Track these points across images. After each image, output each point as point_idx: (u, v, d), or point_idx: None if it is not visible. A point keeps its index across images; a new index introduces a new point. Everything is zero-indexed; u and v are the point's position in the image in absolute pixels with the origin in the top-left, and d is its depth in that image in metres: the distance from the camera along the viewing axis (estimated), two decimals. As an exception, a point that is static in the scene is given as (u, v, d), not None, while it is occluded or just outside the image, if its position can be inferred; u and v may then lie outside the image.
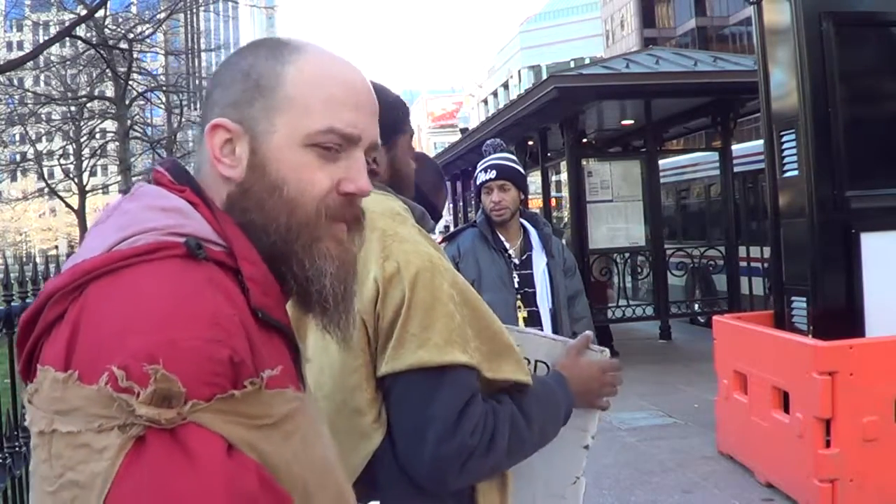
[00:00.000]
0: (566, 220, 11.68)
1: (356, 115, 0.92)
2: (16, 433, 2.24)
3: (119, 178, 24.35)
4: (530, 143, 11.58)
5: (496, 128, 11.02)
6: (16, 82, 24.27)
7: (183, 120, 25.16)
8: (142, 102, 24.90)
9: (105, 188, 30.17)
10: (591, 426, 1.58)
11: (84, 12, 17.44)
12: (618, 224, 9.66)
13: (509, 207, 3.38)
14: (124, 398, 0.69)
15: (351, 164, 0.91)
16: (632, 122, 11.05)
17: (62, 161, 27.24)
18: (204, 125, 0.92)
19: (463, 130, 23.40)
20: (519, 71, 79.13)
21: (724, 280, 9.74)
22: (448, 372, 1.25)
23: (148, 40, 22.74)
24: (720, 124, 9.97)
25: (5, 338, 2.21)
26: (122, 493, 0.68)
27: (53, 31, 20.29)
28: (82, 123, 25.39)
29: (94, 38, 19.07)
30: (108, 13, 20.04)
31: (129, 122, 23.63)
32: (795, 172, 4.59)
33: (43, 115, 24.86)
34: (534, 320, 3.29)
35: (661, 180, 10.18)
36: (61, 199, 27.62)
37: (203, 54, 30.42)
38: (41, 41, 18.74)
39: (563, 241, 4.28)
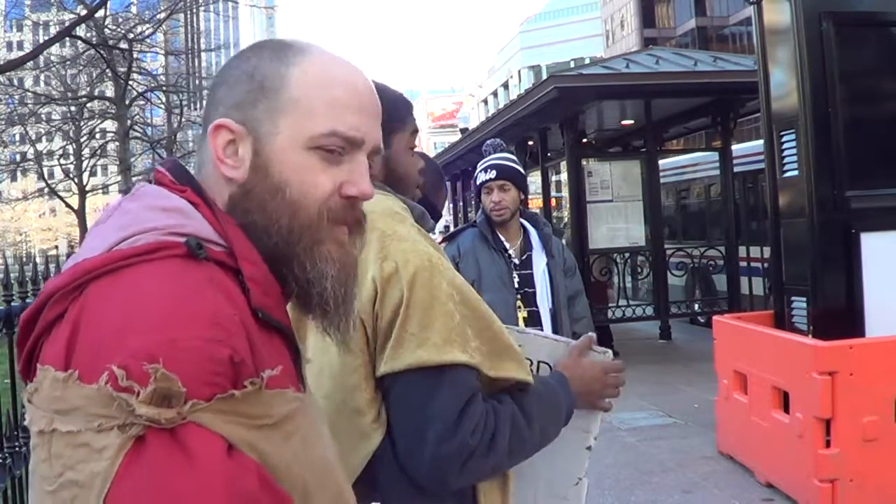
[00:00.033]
0: (566, 220, 11.68)
1: (359, 119, 0.92)
2: (16, 433, 2.24)
3: (119, 178, 24.35)
4: (530, 143, 11.57)
5: (496, 128, 11.02)
6: (16, 82, 24.28)
7: (183, 120, 25.17)
8: (142, 102, 24.90)
9: (105, 188, 30.16)
10: (593, 427, 1.58)
11: (84, 12, 17.44)
12: (618, 224, 9.66)
13: (509, 207, 3.37)
14: (124, 397, 0.69)
15: (353, 168, 0.91)
16: (632, 122, 11.04)
17: (62, 161, 27.24)
18: (206, 125, 0.91)
19: (463, 130, 23.40)
20: (519, 71, 79.14)
21: (724, 280, 9.74)
22: (447, 371, 1.25)
23: (148, 40, 22.75)
24: (720, 124, 9.97)
25: (5, 338, 2.21)
26: (121, 492, 0.68)
27: (53, 31, 20.29)
28: (82, 123, 25.39)
29: (94, 38, 19.08)
30: (108, 13, 20.04)
31: (129, 122, 23.63)
32: (795, 172, 4.59)
33: (43, 115, 24.86)
34: (534, 320, 3.29)
35: (661, 180, 10.17)
36: (61, 199, 27.62)
37: (203, 54, 30.45)
38: (41, 41, 18.73)
39: (563, 241, 4.28)
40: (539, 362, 1.55)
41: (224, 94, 0.91)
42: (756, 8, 5.00)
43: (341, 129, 0.90)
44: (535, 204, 11.73)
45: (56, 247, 47.20)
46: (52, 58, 22.13)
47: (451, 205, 19.45)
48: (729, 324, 5.27)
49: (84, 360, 0.72)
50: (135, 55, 21.08)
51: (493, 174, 3.41)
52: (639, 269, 9.65)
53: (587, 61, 23.79)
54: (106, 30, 19.98)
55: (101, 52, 18.95)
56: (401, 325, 1.26)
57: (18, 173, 29.34)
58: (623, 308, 9.51)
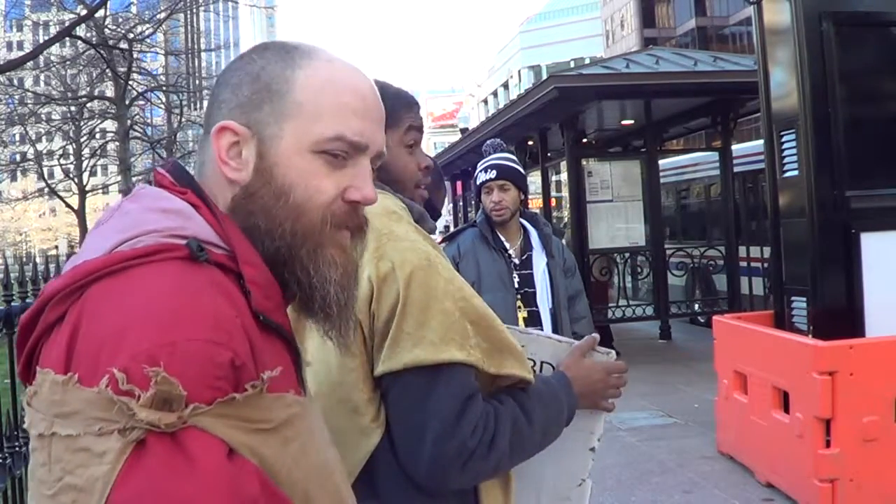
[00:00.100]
0: (566, 220, 11.68)
1: (364, 124, 0.92)
2: (16, 433, 2.25)
3: (119, 178, 24.33)
4: (530, 143, 11.58)
5: (496, 128, 11.02)
6: (16, 82, 24.27)
7: (183, 120, 25.15)
8: (142, 102, 24.88)
9: (105, 188, 30.17)
10: (597, 428, 1.58)
11: (84, 12, 17.43)
12: (618, 224, 9.66)
13: (509, 207, 3.37)
14: (125, 401, 0.69)
15: (357, 173, 0.91)
16: (632, 122, 11.04)
17: (62, 161, 27.23)
18: (208, 126, 0.91)
19: (463, 130, 23.43)
20: (519, 71, 79.10)
21: (724, 280, 9.74)
22: (445, 370, 1.25)
23: (148, 40, 22.73)
24: (720, 124, 9.98)
25: (5, 338, 2.21)
26: (122, 497, 0.68)
27: (53, 31, 20.28)
28: (82, 123, 25.38)
29: (94, 38, 19.07)
30: (108, 13, 20.03)
31: (129, 122, 23.60)
32: (795, 172, 4.59)
33: (43, 115, 24.83)
34: (534, 320, 3.29)
35: (661, 180, 10.18)
36: (61, 199, 27.60)
37: (203, 54, 30.43)
38: (41, 41, 18.73)
39: (563, 241, 4.28)
40: (542, 363, 1.55)
41: (228, 95, 0.91)
42: (756, 8, 5.00)
43: (346, 134, 0.89)
44: (535, 204, 11.73)
45: (56, 247, 47.22)
46: (52, 58, 22.12)
47: (451, 205, 19.46)
48: (729, 324, 5.27)
49: (84, 363, 0.72)
50: (135, 55, 21.07)
51: (493, 174, 3.41)
52: (639, 269, 9.66)
53: (587, 61, 23.81)
54: (106, 30, 19.96)
55: (101, 52, 18.94)
56: (398, 325, 1.26)
57: (18, 173, 29.35)
58: (623, 308, 9.51)
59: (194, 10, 25.61)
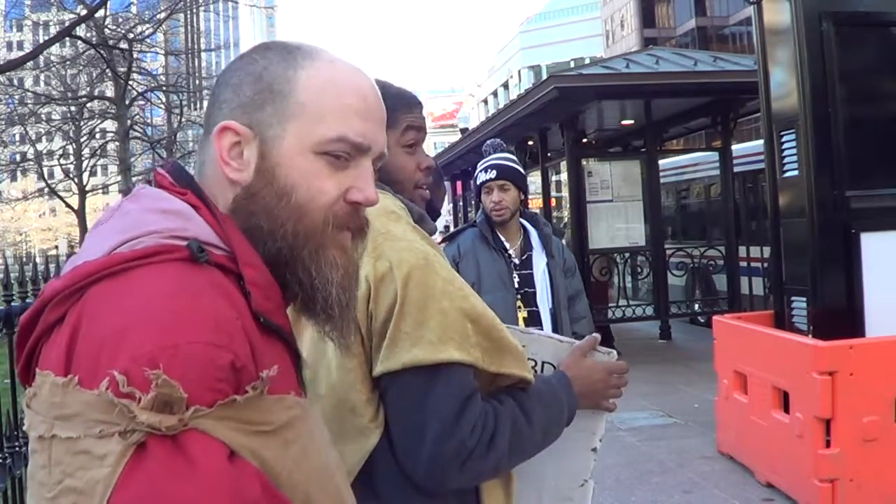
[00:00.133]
0: (566, 220, 11.69)
1: (366, 125, 0.91)
2: (16, 433, 2.24)
3: (119, 178, 24.33)
4: (530, 143, 11.58)
5: (496, 128, 11.02)
6: (16, 82, 24.27)
7: (183, 120, 25.15)
8: (142, 102, 24.88)
9: (105, 188, 30.17)
10: (598, 429, 1.57)
11: (84, 12, 17.44)
12: (618, 224, 9.66)
13: (509, 207, 3.37)
14: (125, 404, 0.68)
15: (359, 174, 0.91)
16: (632, 122, 11.05)
17: (62, 161, 27.23)
18: (208, 126, 0.91)
19: (463, 130, 23.44)
20: (519, 71, 79.08)
21: (724, 280, 9.74)
22: (443, 370, 1.24)
23: (148, 40, 22.73)
24: (720, 124, 9.98)
25: (5, 338, 2.21)
26: (122, 500, 0.67)
27: (53, 31, 20.28)
28: (82, 123, 25.38)
29: (94, 38, 19.07)
30: (108, 13, 20.03)
31: (129, 122, 23.60)
32: (795, 172, 4.59)
33: (43, 115, 24.83)
34: (534, 320, 3.29)
35: (661, 180, 10.18)
36: (61, 199, 27.60)
37: (203, 54, 30.43)
38: (41, 41, 18.73)
39: (563, 242, 4.28)
40: (543, 363, 1.54)
41: (229, 95, 0.90)
42: (756, 8, 5.00)
43: (349, 136, 0.89)
44: (535, 204, 11.73)
45: (56, 247, 47.23)
46: (52, 58, 22.12)
47: (451, 205, 19.47)
48: (729, 324, 5.27)
49: (84, 365, 0.72)
50: (135, 55, 21.07)
51: (493, 174, 3.41)
52: (639, 269, 9.66)
53: (587, 61, 23.81)
54: (106, 30, 19.96)
55: (101, 52, 18.94)
56: (395, 325, 1.26)
57: (18, 173, 29.34)
58: (623, 308, 9.51)
59: (194, 10, 25.62)
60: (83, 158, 26.27)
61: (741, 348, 5.01)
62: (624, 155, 11.67)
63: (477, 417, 1.26)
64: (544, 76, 13.63)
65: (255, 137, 0.88)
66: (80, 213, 25.17)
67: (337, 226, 0.89)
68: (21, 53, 20.54)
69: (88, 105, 24.72)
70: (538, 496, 1.55)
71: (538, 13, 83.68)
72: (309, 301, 0.90)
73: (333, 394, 1.30)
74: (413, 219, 1.45)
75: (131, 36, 20.89)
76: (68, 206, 27.51)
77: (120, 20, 21.81)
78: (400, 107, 1.51)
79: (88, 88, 23.65)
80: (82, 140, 26.10)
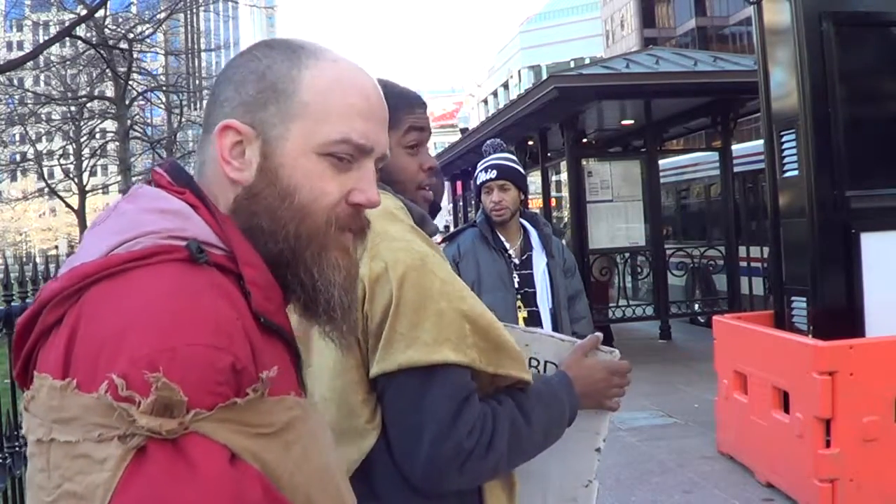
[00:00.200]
0: (566, 220, 11.68)
1: (369, 126, 0.91)
2: (16, 433, 2.24)
3: (119, 178, 24.34)
4: (530, 143, 11.58)
5: (496, 128, 11.02)
6: (16, 82, 24.26)
7: (183, 120, 25.16)
8: (142, 102, 24.89)
9: (105, 188, 30.16)
10: (602, 429, 1.56)
11: (84, 12, 17.43)
12: (618, 224, 9.66)
13: (509, 207, 3.37)
14: (125, 407, 0.68)
15: (361, 175, 0.91)
16: (632, 122, 11.04)
17: (62, 161, 27.21)
18: (208, 124, 0.90)
19: (463, 130, 23.44)
20: (519, 71, 79.08)
21: (724, 280, 9.74)
22: (439, 371, 1.24)
23: (148, 40, 22.73)
24: (720, 124, 9.97)
25: (5, 338, 2.21)
26: None
27: (53, 31, 20.27)
28: (82, 123, 25.37)
29: (94, 38, 19.06)
30: (108, 13, 20.02)
31: (129, 122, 23.60)
32: (795, 172, 4.59)
33: (43, 115, 24.82)
34: (534, 320, 3.28)
35: (661, 180, 10.17)
36: (61, 199, 27.59)
37: (203, 54, 30.44)
38: (41, 41, 18.73)
39: (563, 242, 4.28)
40: (546, 362, 1.54)
41: (230, 93, 0.89)
42: (756, 8, 5.00)
43: (352, 137, 0.89)
44: (535, 204, 11.73)
45: (56, 247, 47.21)
46: (52, 58, 22.11)
47: (451, 205, 19.47)
48: (729, 324, 5.27)
49: (83, 367, 0.71)
50: (135, 55, 21.07)
51: (493, 174, 3.41)
52: (639, 269, 9.66)
53: (587, 61, 23.81)
54: (106, 30, 19.96)
55: (101, 52, 18.94)
56: (391, 326, 1.25)
57: (18, 173, 29.34)
58: (623, 308, 9.51)
59: (194, 10, 25.62)
60: (83, 158, 26.27)
61: (741, 348, 5.01)
62: (624, 155, 11.67)
63: (475, 419, 1.25)
64: (544, 76, 13.62)
65: (257, 137, 0.87)
66: (80, 213, 25.16)
67: (339, 227, 0.89)
68: (21, 53, 20.54)
69: (88, 105, 24.72)
70: (543, 496, 1.54)
71: (538, 13, 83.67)
72: (311, 302, 0.89)
73: (330, 395, 1.29)
74: (414, 220, 1.44)
75: (131, 36, 20.89)
76: (68, 206, 27.51)
77: (120, 20, 21.81)
78: (402, 107, 1.49)
79: (88, 88, 23.65)
80: (82, 140, 26.09)
